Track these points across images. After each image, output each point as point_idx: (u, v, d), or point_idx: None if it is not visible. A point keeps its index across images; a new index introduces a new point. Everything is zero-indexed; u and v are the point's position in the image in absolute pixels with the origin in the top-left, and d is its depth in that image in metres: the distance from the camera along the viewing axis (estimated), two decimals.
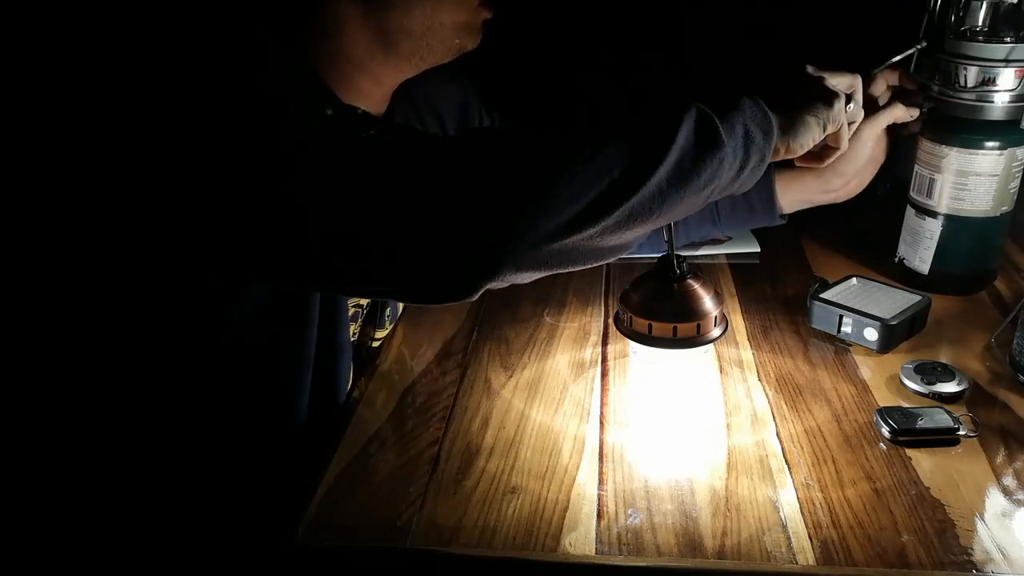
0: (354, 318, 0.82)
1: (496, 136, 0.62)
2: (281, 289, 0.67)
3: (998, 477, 0.64)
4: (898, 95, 0.89)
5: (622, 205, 0.58)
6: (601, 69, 1.16)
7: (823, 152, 0.75)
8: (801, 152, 0.69)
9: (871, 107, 0.87)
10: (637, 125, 0.61)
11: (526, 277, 0.60)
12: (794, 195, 0.93)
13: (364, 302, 0.83)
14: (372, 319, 0.85)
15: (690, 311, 0.71)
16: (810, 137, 0.68)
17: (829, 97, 0.70)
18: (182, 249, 0.59)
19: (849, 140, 0.77)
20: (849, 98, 0.73)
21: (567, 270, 0.62)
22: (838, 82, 0.73)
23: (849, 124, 0.74)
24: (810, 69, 0.73)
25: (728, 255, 1.03)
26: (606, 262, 0.65)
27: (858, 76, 0.76)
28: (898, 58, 0.86)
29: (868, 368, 0.79)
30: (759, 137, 0.64)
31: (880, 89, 0.90)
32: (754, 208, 0.93)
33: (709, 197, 0.64)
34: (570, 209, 0.57)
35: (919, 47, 0.86)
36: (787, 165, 0.90)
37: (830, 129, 0.70)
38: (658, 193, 0.59)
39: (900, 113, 0.87)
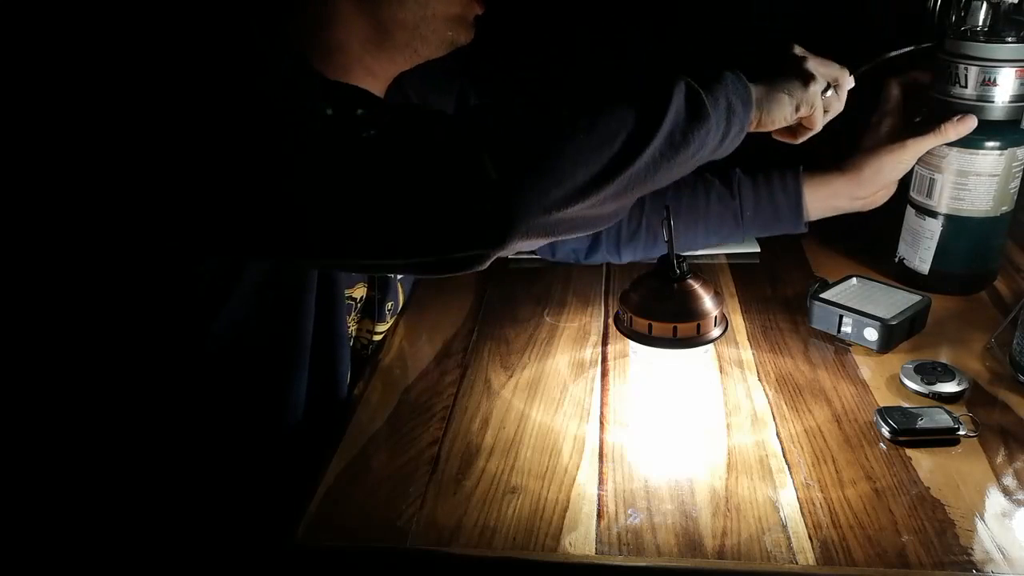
0: (348, 310, 0.82)
1: (503, 106, 0.62)
2: (290, 266, 0.67)
3: (998, 477, 0.64)
4: (948, 117, 0.86)
5: (623, 173, 0.60)
6: (592, 60, 1.16)
7: (797, 130, 0.77)
8: (774, 127, 0.73)
9: (917, 127, 0.87)
10: (632, 96, 0.62)
11: (532, 244, 0.62)
12: (822, 201, 0.92)
13: (358, 295, 0.82)
14: (371, 313, 0.85)
15: (690, 311, 0.70)
16: (782, 114, 0.72)
17: (806, 78, 0.73)
18: (181, 237, 0.59)
19: (883, 150, 0.86)
20: (829, 85, 0.75)
21: (568, 237, 0.64)
22: (825, 71, 0.75)
23: (827, 112, 0.76)
24: (796, 49, 0.75)
25: (728, 255, 1.03)
26: (600, 229, 0.69)
27: (846, 70, 0.77)
28: (894, 53, 0.85)
29: (868, 368, 0.79)
30: (739, 108, 0.67)
31: (894, 93, 0.90)
32: (780, 212, 0.92)
33: (695, 164, 0.67)
34: (579, 177, 0.58)
35: (921, 46, 0.85)
36: (816, 171, 0.92)
37: (803, 111, 0.73)
38: (653, 162, 0.62)
39: (951, 135, 0.85)
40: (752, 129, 0.71)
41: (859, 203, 0.92)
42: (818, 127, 0.76)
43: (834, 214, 0.94)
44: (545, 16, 1.14)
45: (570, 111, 0.60)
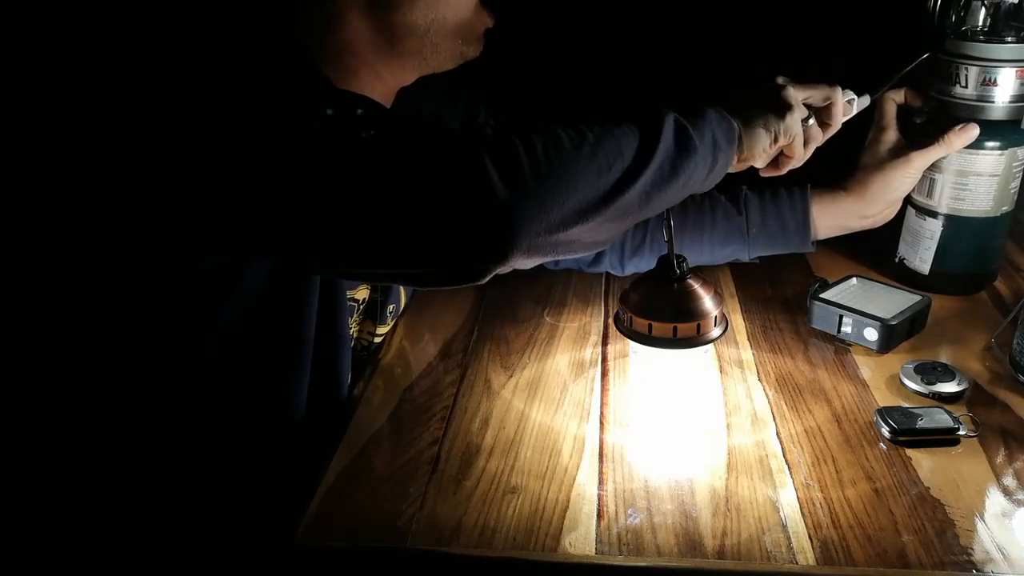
0: (350, 312, 0.82)
1: (508, 126, 0.63)
2: (287, 271, 0.68)
3: (998, 477, 0.64)
4: (951, 126, 0.86)
5: (618, 199, 0.61)
6: (597, 75, 1.16)
7: (780, 160, 0.77)
8: (755, 159, 0.73)
9: (920, 140, 0.87)
10: (627, 127, 0.64)
11: (530, 263, 0.62)
12: (831, 220, 0.92)
13: (360, 296, 0.83)
14: (372, 315, 0.85)
15: (690, 311, 0.70)
16: (761, 146, 0.71)
17: (782, 109, 0.72)
18: (180, 233, 0.59)
19: (888, 166, 0.86)
20: (810, 115, 0.75)
21: (564, 257, 0.65)
22: (808, 94, 0.75)
23: (809, 141, 0.75)
24: (779, 79, 0.74)
25: None
26: (591, 252, 0.69)
27: (837, 89, 0.76)
28: (906, 70, 0.85)
29: (868, 368, 0.79)
30: (724, 144, 0.68)
31: (889, 109, 0.90)
32: (787, 230, 0.92)
33: (685, 194, 0.68)
34: (579, 200, 0.59)
35: (923, 58, 0.86)
36: (825, 189, 0.91)
37: (782, 141, 0.72)
38: (645, 192, 0.63)
39: (958, 145, 0.85)
40: (736, 163, 0.71)
41: (868, 221, 0.92)
42: (799, 156, 0.76)
43: (843, 233, 0.93)
44: (557, 30, 1.14)
45: (573, 137, 0.61)
